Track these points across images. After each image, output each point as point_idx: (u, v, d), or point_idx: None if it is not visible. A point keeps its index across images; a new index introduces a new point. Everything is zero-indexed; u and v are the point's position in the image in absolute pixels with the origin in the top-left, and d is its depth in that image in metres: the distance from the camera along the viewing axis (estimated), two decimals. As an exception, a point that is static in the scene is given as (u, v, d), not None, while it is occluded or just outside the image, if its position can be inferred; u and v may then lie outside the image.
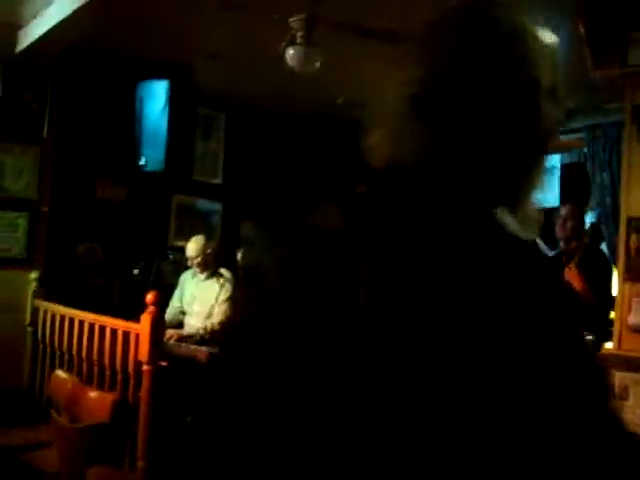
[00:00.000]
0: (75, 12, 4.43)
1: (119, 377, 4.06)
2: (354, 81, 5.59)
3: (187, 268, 5.51)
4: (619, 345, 3.89)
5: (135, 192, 6.18)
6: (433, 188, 0.88)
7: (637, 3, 3.85)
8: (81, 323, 4.44)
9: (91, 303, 4.76)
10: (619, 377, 3.80)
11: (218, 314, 5.24)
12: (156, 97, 5.59)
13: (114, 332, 4.17)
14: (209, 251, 5.33)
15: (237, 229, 7.28)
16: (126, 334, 4.09)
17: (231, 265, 6.94)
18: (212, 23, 4.69)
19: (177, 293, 5.48)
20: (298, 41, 3.92)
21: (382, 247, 0.84)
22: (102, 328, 4.27)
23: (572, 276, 4.38)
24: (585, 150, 6.27)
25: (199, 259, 5.27)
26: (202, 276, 5.34)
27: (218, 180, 7.08)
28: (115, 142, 5.80)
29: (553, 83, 0.96)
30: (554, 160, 6.53)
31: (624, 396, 3.77)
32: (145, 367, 3.86)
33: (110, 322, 4.27)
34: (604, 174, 5.90)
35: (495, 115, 0.90)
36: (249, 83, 6.18)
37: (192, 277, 5.42)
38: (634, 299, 3.89)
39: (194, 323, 5.23)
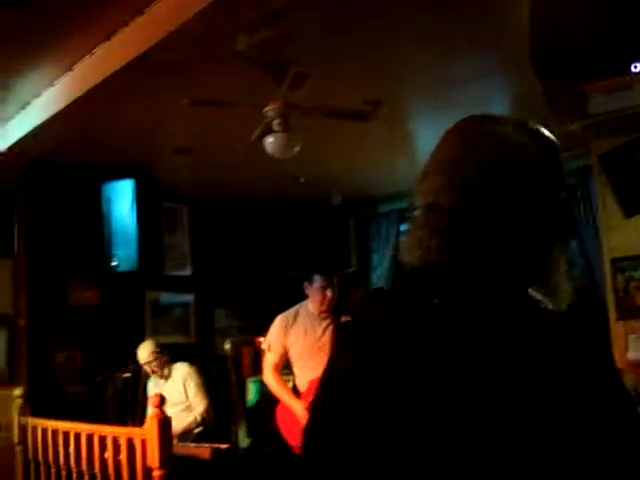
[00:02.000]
0: (40, 125, 4.46)
1: (126, 486, 3.92)
2: (318, 159, 5.75)
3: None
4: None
5: (109, 293, 6.10)
6: (473, 283, 1.02)
7: (588, 56, 4.07)
8: (77, 436, 4.28)
9: (73, 412, 4.62)
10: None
11: (198, 405, 5.23)
12: (123, 196, 5.59)
13: (116, 440, 4.03)
14: (161, 353, 5.30)
15: (211, 318, 7.24)
16: (130, 441, 3.96)
17: (208, 354, 6.88)
18: (180, 119, 4.76)
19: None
20: (275, 128, 4.00)
21: (446, 337, 0.97)
22: (102, 438, 4.12)
23: None
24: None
25: (153, 364, 5.25)
26: (162, 380, 5.31)
27: (187, 272, 7.06)
28: (85, 246, 5.75)
29: (563, 178, 1.12)
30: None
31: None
32: (156, 473, 3.74)
33: (110, 431, 4.13)
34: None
35: (523, 220, 1.05)
36: (215, 175, 6.27)
37: (155, 384, 5.36)
38: (629, 336, 3.99)
39: (174, 425, 5.13)
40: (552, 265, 1.09)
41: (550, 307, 1.06)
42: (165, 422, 3.84)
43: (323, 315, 4.28)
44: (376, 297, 1.29)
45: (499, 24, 3.91)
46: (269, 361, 4.44)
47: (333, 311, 4.30)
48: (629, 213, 4.04)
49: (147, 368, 5.32)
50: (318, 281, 4.24)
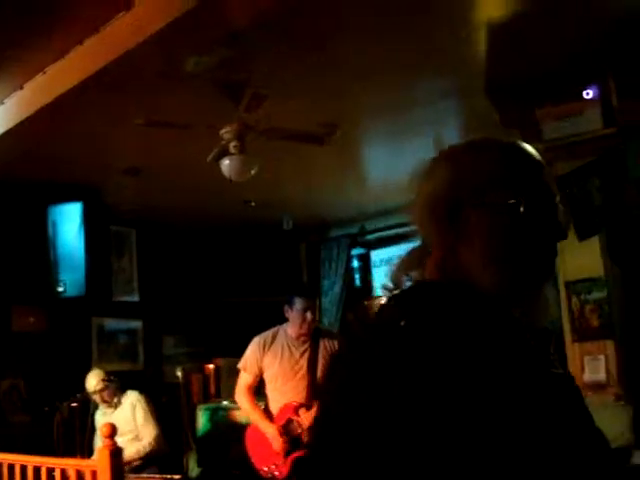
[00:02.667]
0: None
1: (76, 522, 3.75)
2: (269, 183, 5.71)
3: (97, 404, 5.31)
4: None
5: (54, 320, 5.91)
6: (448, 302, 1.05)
7: (539, 82, 4.15)
8: (23, 468, 4.09)
9: (18, 443, 4.43)
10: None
11: (146, 435, 5.12)
12: (69, 220, 5.43)
13: (64, 473, 3.86)
14: (110, 382, 5.18)
15: (160, 344, 7.08)
16: (79, 473, 3.80)
17: (157, 381, 6.72)
18: (132, 140, 4.67)
19: (97, 434, 5.24)
20: (232, 151, 3.95)
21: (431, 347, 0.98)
22: (50, 470, 3.94)
23: None
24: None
25: (104, 393, 5.14)
26: (111, 409, 5.18)
27: (135, 298, 6.90)
28: (30, 270, 5.55)
29: (554, 191, 1.12)
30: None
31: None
32: (108, 505, 3.59)
33: (58, 463, 3.95)
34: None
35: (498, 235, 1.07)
36: (164, 197, 6.17)
37: (103, 414, 5.22)
38: (585, 357, 4.04)
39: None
40: (535, 286, 1.11)
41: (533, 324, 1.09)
42: (116, 453, 3.71)
43: (302, 339, 4.24)
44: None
45: (457, 49, 3.95)
46: (243, 381, 4.37)
47: (312, 334, 4.27)
48: (582, 236, 4.11)
49: (96, 397, 5.16)
50: (298, 303, 4.19)
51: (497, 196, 1.07)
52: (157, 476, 4.55)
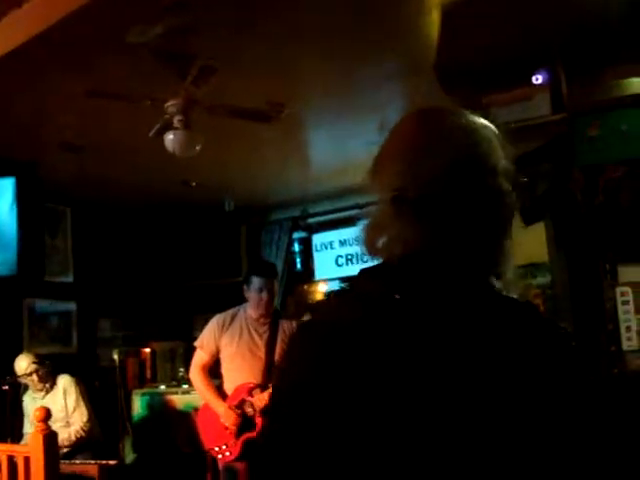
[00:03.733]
0: None
1: (7, 509, 3.59)
2: (211, 163, 5.58)
3: (27, 388, 5.14)
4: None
5: (-18, 300, 5.66)
6: (440, 275, 1.03)
7: (488, 67, 4.14)
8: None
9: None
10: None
11: (76, 421, 4.99)
12: (2, 195, 5.17)
13: (-6, 458, 3.69)
14: (41, 365, 5.03)
15: (94, 327, 6.88)
16: (11, 459, 3.64)
17: (90, 365, 6.53)
18: (69, 112, 4.46)
19: (27, 420, 5.06)
20: (176, 125, 3.81)
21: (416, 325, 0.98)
22: (-21, 456, 3.77)
23: None
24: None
25: (33, 376, 4.98)
26: (41, 394, 5.02)
27: (69, 278, 6.66)
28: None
29: (505, 164, 1.11)
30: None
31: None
32: (41, 493, 3.44)
33: (-12, 448, 3.78)
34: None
35: (474, 208, 1.05)
36: (101, 174, 5.96)
37: (33, 399, 5.05)
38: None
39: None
40: (504, 254, 1.12)
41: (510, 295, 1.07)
42: (51, 438, 3.56)
43: (262, 320, 4.18)
44: (334, 296, 1.19)
45: (407, 31, 3.90)
46: (198, 359, 4.29)
47: (272, 316, 4.21)
48: (527, 222, 4.14)
49: (26, 381, 4.97)
50: (256, 282, 4.13)
51: None
52: (92, 462, 4.41)
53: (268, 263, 5.34)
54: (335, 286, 7.50)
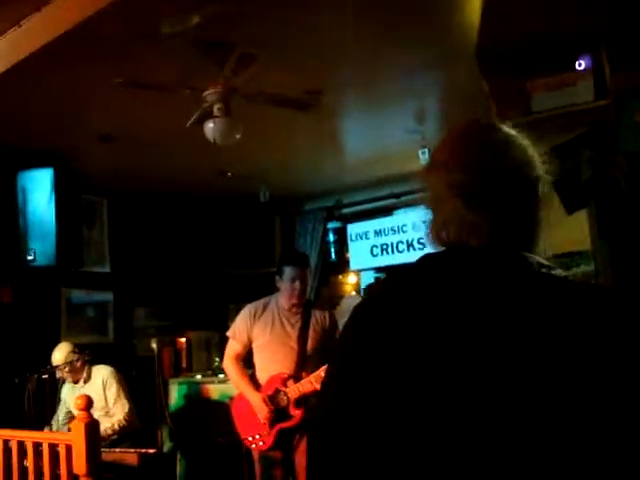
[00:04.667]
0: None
1: (49, 496, 3.62)
2: (247, 153, 5.57)
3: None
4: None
5: (22, 290, 5.71)
6: (497, 255, 1.19)
7: (531, 53, 4.07)
8: (-8, 441, 3.94)
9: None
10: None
11: (118, 411, 5.00)
12: (40, 186, 5.21)
13: (37, 447, 3.71)
14: (79, 355, 5.02)
15: (131, 317, 6.93)
16: (53, 447, 3.66)
17: (127, 355, 6.58)
18: (107, 103, 4.48)
19: (61, 407, 5.11)
20: (216, 113, 3.79)
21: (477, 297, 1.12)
22: (21, 444, 3.80)
23: None
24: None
25: (68, 368, 4.99)
26: (79, 385, 5.05)
27: (106, 269, 6.72)
28: (-3, 239, 5.34)
29: (540, 169, 1.29)
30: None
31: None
32: (83, 481, 3.47)
33: (30, 436, 3.81)
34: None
35: (524, 202, 1.24)
36: (138, 165, 5.99)
37: (71, 388, 5.09)
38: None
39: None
40: (538, 236, 1.28)
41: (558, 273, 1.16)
42: (92, 426, 3.58)
43: (294, 310, 4.17)
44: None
45: (446, 17, 3.84)
46: (231, 349, 4.29)
47: (304, 306, 4.20)
48: (570, 209, 4.06)
49: (61, 373, 5.00)
50: (288, 272, 4.12)
51: None
52: (131, 450, 4.43)
53: (300, 253, 5.32)
54: (370, 275, 7.47)
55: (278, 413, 4.01)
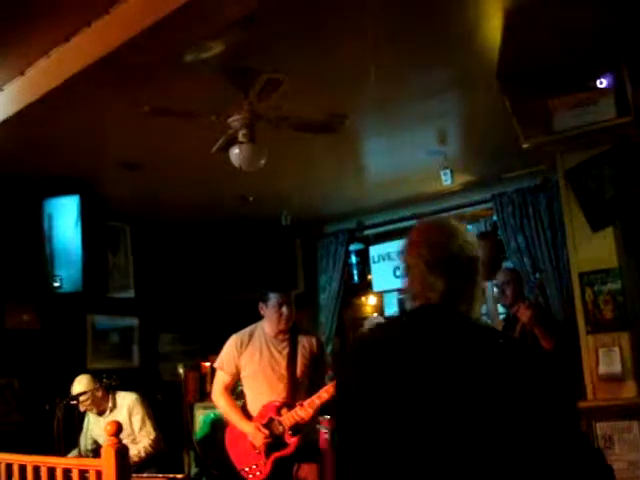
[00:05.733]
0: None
1: (79, 522, 3.61)
2: (268, 177, 5.61)
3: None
4: (594, 396, 3.94)
5: (48, 316, 5.78)
6: (447, 311, 1.72)
7: (552, 72, 4.09)
8: (22, 468, 3.94)
9: (10, 444, 4.28)
10: (600, 427, 3.83)
11: (143, 438, 5.00)
12: (66, 213, 5.28)
13: (67, 473, 3.72)
14: (96, 386, 5.01)
15: (155, 342, 6.96)
16: (82, 473, 3.67)
17: (153, 380, 6.59)
18: (132, 131, 4.54)
19: (83, 436, 5.09)
20: (241, 139, 3.83)
21: (429, 343, 1.65)
22: (51, 470, 3.80)
23: (540, 335, 4.42)
24: (494, 218, 6.51)
25: (89, 400, 4.98)
26: (104, 415, 5.03)
27: (131, 294, 6.77)
28: (24, 265, 5.39)
29: (474, 247, 1.81)
30: (465, 231, 6.75)
31: (609, 445, 3.79)
32: (114, 506, 3.46)
33: (60, 462, 3.81)
34: (519, 238, 6.13)
35: (467, 273, 1.76)
36: (160, 192, 6.04)
37: (94, 418, 5.07)
38: (600, 349, 3.97)
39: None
40: (476, 297, 1.79)
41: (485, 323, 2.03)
42: (122, 452, 3.58)
43: (280, 336, 4.14)
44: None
45: (468, 39, 3.87)
46: (220, 380, 4.26)
47: (290, 331, 4.16)
48: (595, 227, 4.06)
49: (83, 405, 4.98)
50: (273, 299, 4.10)
51: None
52: (159, 476, 4.43)
53: (284, 277, 5.28)
54: (393, 297, 7.47)
55: (273, 441, 3.97)
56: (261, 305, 4.19)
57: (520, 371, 1.53)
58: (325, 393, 3.91)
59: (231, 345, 4.25)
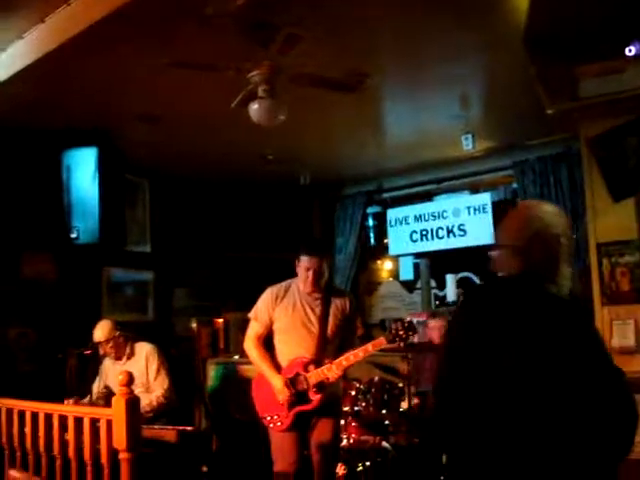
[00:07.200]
0: (1, 82, 4.16)
1: (89, 469, 3.67)
2: (288, 136, 5.57)
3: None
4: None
5: (66, 267, 5.81)
6: (524, 281, 2.08)
7: (580, 39, 3.99)
8: (34, 415, 4.00)
9: (25, 391, 4.34)
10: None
11: (157, 388, 5.02)
12: (84, 165, 5.28)
13: (79, 420, 3.77)
14: (117, 334, 5.02)
15: (170, 296, 7.00)
16: (94, 421, 3.72)
17: (167, 334, 6.65)
18: (150, 83, 4.50)
19: (98, 380, 5.14)
20: (261, 94, 3.79)
21: (508, 307, 2.06)
22: (62, 418, 3.86)
23: None
24: (515, 186, 6.44)
25: (109, 345, 4.99)
26: (121, 361, 5.06)
27: (147, 248, 6.80)
28: (42, 216, 5.42)
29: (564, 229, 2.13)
30: (485, 199, 6.69)
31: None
32: (123, 455, 3.49)
33: (71, 410, 3.86)
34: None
35: (545, 251, 2.09)
36: (180, 147, 6.02)
37: (112, 364, 5.10)
38: (614, 322, 3.94)
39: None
40: (562, 273, 2.09)
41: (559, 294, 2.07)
42: (133, 402, 3.62)
43: (315, 295, 4.16)
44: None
45: (495, 2, 3.78)
46: (253, 330, 4.29)
47: (324, 290, 4.18)
48: (617, 197, 4.00)
49: (103, 349, 5.06)
50: (303, 261, 4.10)
51: None
52: (169, 427, 4.48)
53: (318, 242, 5.27)
54: (409, 261, 7.43)
55: (297, 396, 4.02)
56: (296, 263, 4.20)
57: (577, 326, 1.93)
58: (353, 356, 3.96)
59: (266, 297, 4.26)
